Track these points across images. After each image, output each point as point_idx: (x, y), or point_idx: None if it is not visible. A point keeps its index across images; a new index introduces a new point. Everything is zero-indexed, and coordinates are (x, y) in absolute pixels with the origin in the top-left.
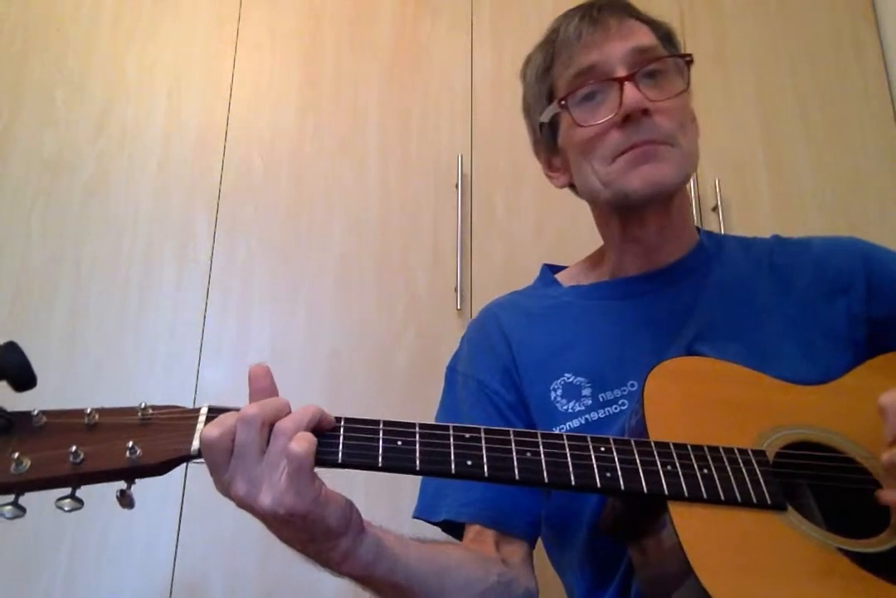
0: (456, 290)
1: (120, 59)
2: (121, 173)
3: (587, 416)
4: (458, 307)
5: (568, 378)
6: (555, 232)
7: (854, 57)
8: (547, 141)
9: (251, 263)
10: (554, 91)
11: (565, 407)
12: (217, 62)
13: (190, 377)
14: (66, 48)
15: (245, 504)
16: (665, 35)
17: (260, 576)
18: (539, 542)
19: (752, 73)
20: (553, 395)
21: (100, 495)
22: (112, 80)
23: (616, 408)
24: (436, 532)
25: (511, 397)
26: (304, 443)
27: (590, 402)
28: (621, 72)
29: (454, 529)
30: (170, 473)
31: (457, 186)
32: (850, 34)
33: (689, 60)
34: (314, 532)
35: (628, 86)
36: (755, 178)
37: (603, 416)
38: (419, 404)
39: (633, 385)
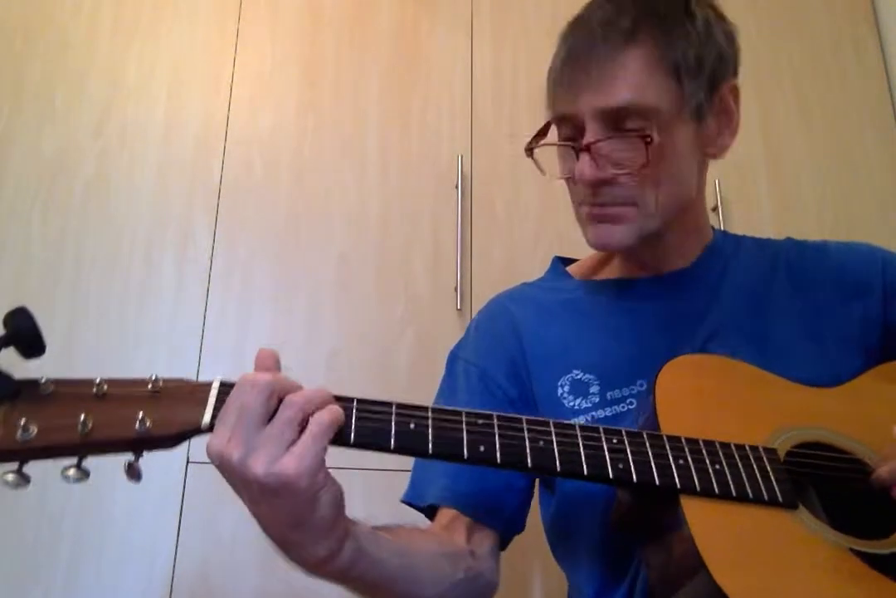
0: (456, 290)
1: (120, 59)
2: (121, 173)
3: (594, 413)
4: (458, 307)
5: (576, 375)
6: (555, 232)
7: (854, 57)
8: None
9: (251, 263)
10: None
11: (572, 403)
12: (217, 62)
13: (190, 377)
14: (66, 48)
15: (233, 469)
16: (676, 60)
17: (260, 576)
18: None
19: (752, 74)
20: (560, 391)
21: (100, 495)
22: (112, 80)
23: (623, 407)
24: (414, 517)
25: (513, 392)
26: (333, 412)
27: (597, 399)
28: (588, 133)
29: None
30: (169, 474)
31: (457, 187)
32: (850, 34)
33: (648, 142)
34: (301, 516)
35: (584, 157)
36: (755, 178)
37: (609, 414)
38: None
39: (641, 385)
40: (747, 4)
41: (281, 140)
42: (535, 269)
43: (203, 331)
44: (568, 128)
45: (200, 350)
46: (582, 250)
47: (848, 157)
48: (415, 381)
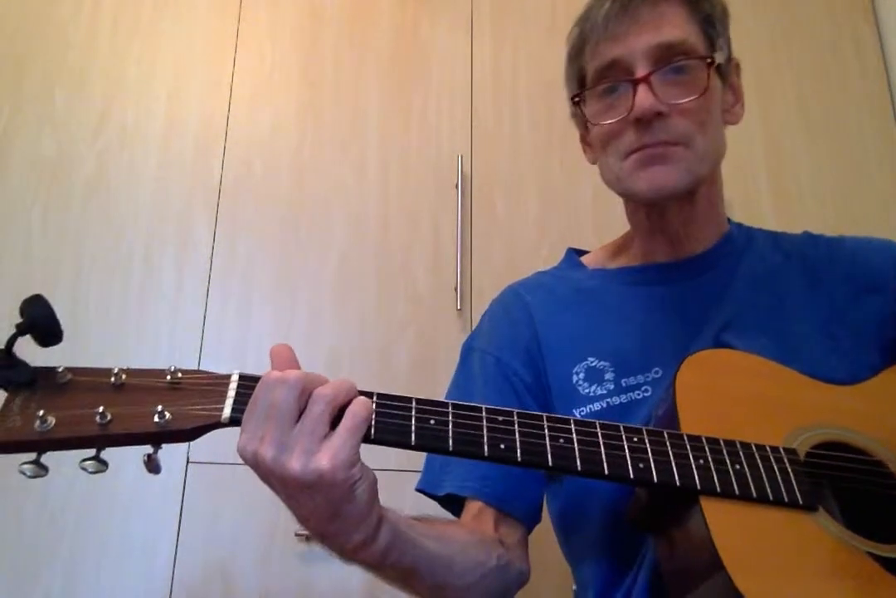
0: (456, 290)
1: (120, 59)
2: (121, 173)
3: (609, 400)
4: (458, 307)
5: (591, 362)
6: (555, 232)
7: (854, 57)
8: (580, 117)
9: (251, 263)
10: (584, 76)
11: (587, 390)
12: (217, 62)
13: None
14: (66, 48)
15: (269, 468)
16: (706, 18)
17: (260, 577)
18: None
19: (753, 74)
20: (575, 378)
21: (100, 494)
22: (112, 80)
23: (639, 394)
24: (428, 508)
25: (529, 379)
26: (366, 405)
27: (612, 386)
28: (641, 69)
29: (453, 505)
30: (169, 474)
31: (457, 187)
32: (850, 34)
33: (709, 62)
34: (339, 508)
35: (641, 88)
36: (755, 178)
37: (625, 401)
38: None
39: (657, 372)
40: (747, 5)
41: (281, 140)
42: (535, 269)
43: (203, 331)
44: (608, 81)
45: (200, 350)
46: (585, 248)
47: (848, 157)
48: (415, 381)
